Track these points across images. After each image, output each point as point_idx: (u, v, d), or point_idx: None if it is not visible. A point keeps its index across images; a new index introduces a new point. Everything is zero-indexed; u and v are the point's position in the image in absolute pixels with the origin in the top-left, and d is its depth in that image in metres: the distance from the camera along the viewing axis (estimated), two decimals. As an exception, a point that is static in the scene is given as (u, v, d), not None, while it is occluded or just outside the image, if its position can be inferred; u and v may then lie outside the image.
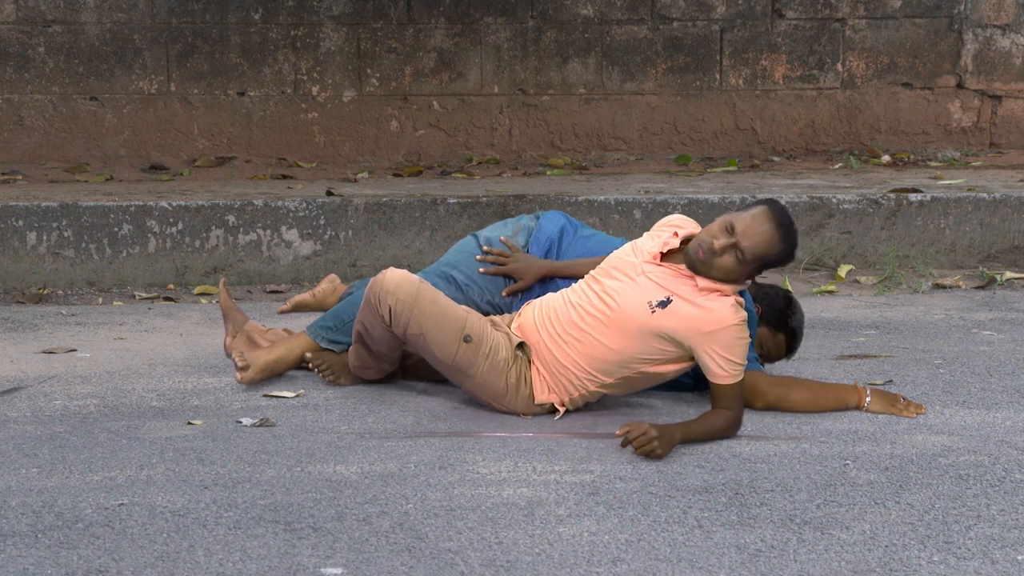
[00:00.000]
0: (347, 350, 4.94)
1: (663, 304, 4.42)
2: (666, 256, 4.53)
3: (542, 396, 4.57)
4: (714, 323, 4.37)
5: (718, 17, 8.39)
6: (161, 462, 4.13)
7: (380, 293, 4.51)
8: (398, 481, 3.99)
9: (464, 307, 4.60)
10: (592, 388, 4.55)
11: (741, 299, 4.45)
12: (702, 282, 4.41)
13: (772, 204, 4.42)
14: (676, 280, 4.45)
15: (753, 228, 4.37)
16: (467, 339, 4.50)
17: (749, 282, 4.55)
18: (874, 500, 3.87)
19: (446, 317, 4.51)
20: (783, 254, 4.42)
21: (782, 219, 4.39)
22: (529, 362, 4.58)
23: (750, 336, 4.77)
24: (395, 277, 4.52)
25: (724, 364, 4.36)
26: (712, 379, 4.39)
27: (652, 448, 4.13)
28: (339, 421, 4.57)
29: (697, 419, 4.37)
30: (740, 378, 4.39)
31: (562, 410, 4.58)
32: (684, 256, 4.45)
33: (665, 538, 3.60)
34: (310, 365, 4.94)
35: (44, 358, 5.33)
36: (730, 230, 4.37)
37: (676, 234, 4.54)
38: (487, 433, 4.46)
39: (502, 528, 3.65)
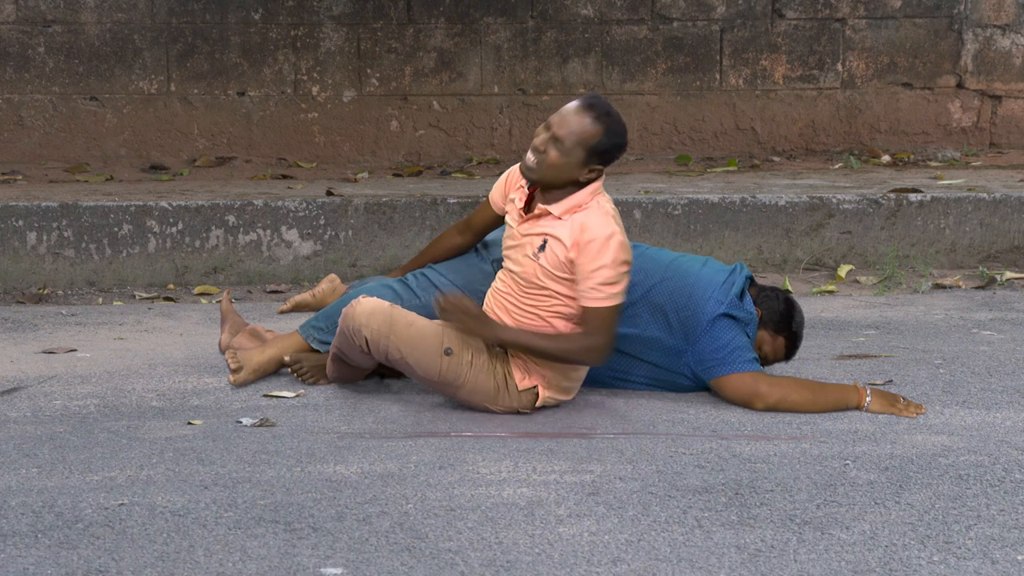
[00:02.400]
0: None
1: (541, 248, 4.49)
2: (529, 209, 4.59)
3: (523, 383, 4.58)
4: (578, 241, 4.42)
5: (718, 17, 8.39)
6: (161, 462, 4.13)
7: (353, 327, 4.54)
8: (398, 481, 3.99)
9: (439, 320, 4.60)
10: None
11: (605, 205, 4.47)
12: (557, 208, 4.47)
13: (589, 95, 4.49)
14: (542, 221, 4.51)
15: (566, 117, 4.44)
16: (448, 352, 4.53)
17: (598, 181, 4.52)
18: (874, 500, 3.87)
19: (424, 336, 4.53)
20: (605, 138, 4.43)
21: (596, 105, 4.44)
22: (507, 354, 4.59)
23: (749, 336, 4.79)
24: (366, 308, 4.54)
25: (591, 285, 4.41)
26: (580, 302, 4.45)
27: (462, 321, 4.42)
28: (339, 421, 4.57)
29: (546, 333, 4.47)
30: (610, 304, 4.42)
31: (544, 393, 4.58)
32: (522, 175, 4.53)
33: (665, 538, 3.60)
34: (290, 369, 4.95)
35: (44, 358, 5.33)
36: (548, 126, 4.46)
37: (522, 187, 4.61)
38: (487, 433, 4.46)
39: (502, 528, 3.65)
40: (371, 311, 4.54)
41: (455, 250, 4.99)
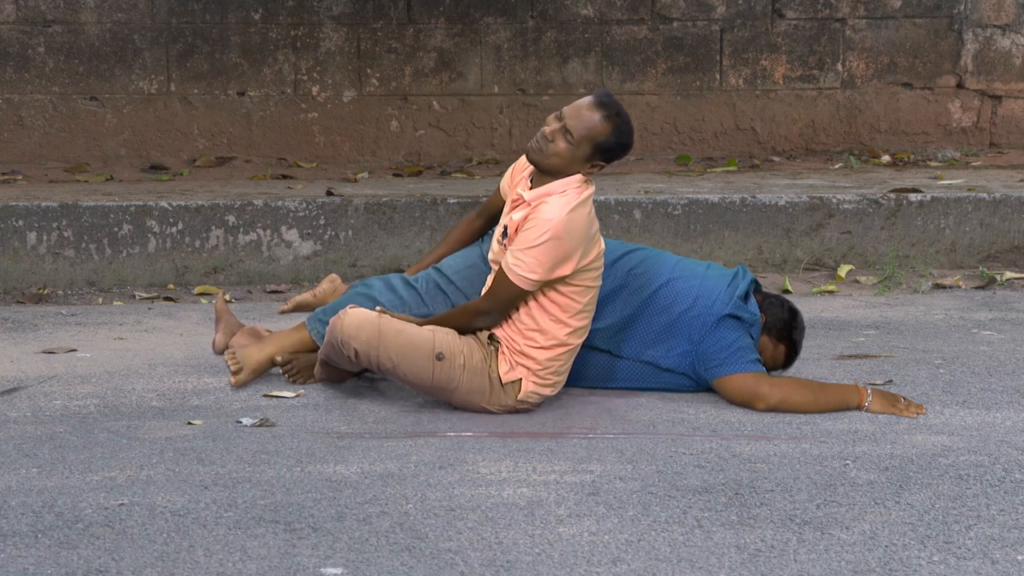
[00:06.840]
0: None
1: (504, 234, 4.59)
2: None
3: (508, 375, 4.57)
4: (528, 215, 4.50)
5: (718, 17, 8.39)
6: (161, 462, 4.14)
7: (342, 339, 4.54)
8: (398, 481, 3.99)
9: (428, 327, 4.59)
10: (537, 353, 4.59)
11: (577, 192, 4.51)
12: (530, 194, 4.54)
13: (602, 93, 4.59)
14: (514, 211, 4.59)
15: (580, 110, 4.53)
16: (439, 357, 4.54)
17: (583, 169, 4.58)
18: (874, 500, 3.87)
19: (414, 344, 4.53)
20: (613, 137, 4.51)
21: (609, 104, 4.54)
22: (497, 351, 4.59)
23: (752, 338, 4.79)
24: (354, 321, 4.54)
25: (515, 254, 4.47)
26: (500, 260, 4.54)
27: None
28: (339, 421, 4.57)
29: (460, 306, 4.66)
30: (516, 277, 4.47)
31: (527, 385, 4.57)
32: (527, 155, 4.60)
33: (665, 538, 3.60)
34: (281, 370, 4.94)
35: (44, 358, 5.33)
36: (560, 116, 4.54)
37: (524, 178, 4.65)
38: (487, 433, 4.46)
39: (502, 528, 3.65)
40: (359, 323, 4.54)
41: (476, 233, 5.03)
